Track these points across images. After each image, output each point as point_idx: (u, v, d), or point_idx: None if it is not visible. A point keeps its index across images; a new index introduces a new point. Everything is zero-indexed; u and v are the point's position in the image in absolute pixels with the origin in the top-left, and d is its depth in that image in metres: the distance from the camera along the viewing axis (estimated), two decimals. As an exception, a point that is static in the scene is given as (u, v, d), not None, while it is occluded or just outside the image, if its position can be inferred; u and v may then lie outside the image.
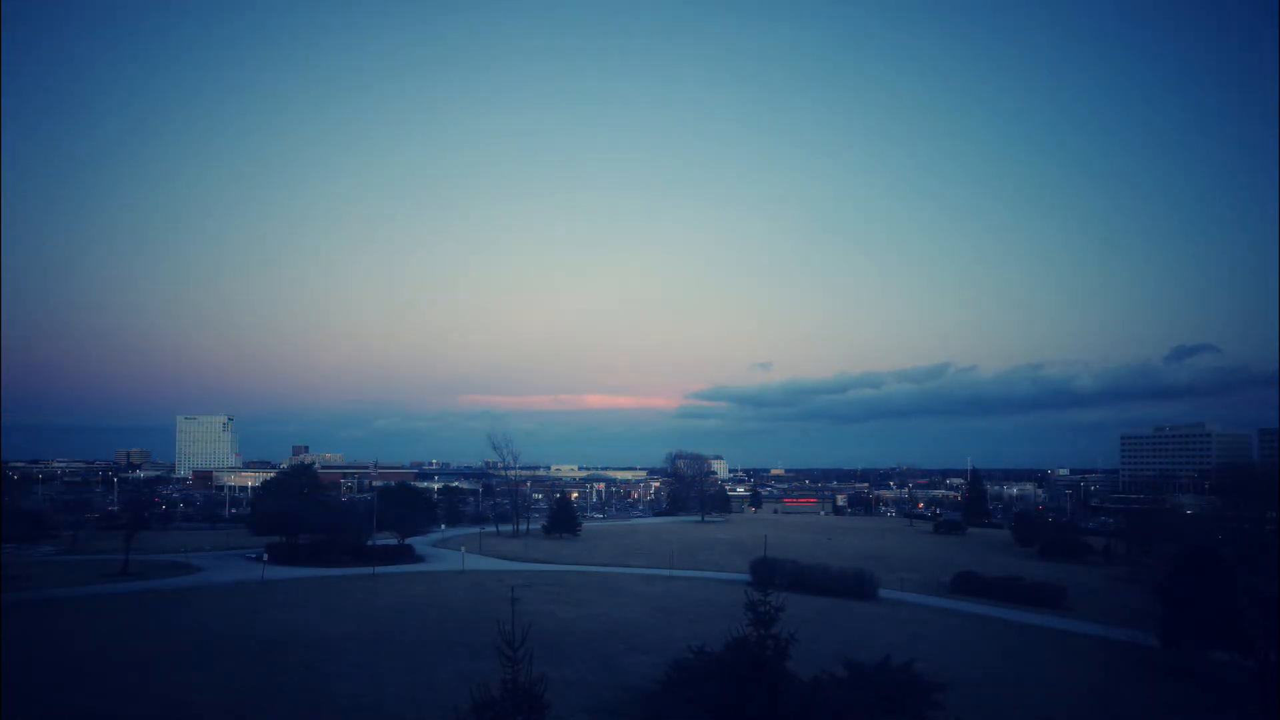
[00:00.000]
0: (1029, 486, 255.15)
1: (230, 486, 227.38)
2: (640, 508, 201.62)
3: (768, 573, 67.98)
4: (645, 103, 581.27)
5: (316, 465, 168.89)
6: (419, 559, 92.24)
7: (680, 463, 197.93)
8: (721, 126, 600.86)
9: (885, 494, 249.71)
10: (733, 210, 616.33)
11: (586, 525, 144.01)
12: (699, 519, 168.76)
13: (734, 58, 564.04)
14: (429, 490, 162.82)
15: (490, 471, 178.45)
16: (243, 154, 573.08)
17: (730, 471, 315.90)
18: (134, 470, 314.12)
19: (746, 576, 74.94)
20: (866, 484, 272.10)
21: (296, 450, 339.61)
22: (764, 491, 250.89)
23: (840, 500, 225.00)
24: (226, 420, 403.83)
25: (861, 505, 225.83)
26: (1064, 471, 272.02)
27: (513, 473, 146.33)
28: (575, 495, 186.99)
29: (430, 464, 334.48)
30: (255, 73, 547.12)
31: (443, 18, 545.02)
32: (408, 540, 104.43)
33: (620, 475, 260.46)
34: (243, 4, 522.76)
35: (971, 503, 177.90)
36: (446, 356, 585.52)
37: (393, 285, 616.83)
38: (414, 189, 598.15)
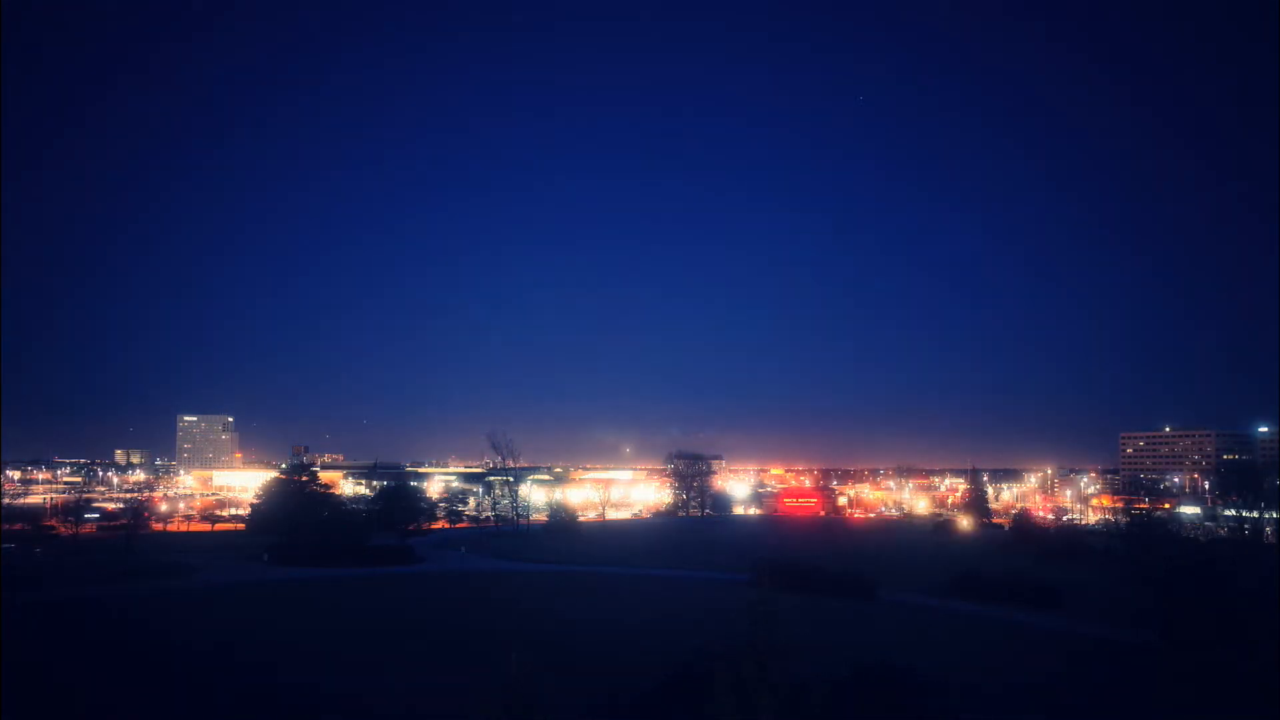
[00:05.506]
0: (1029, 486, 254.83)
1: (230, 486, 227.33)
2: (640, 507, 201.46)
3: (767, 572, 67.83)
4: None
5: (317, 465, 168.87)
6: (419, 559, 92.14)
7: (680, 462, 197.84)
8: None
9: (885, 493, 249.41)
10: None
11: (586, 525, 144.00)
12: (699, 518, 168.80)
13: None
14: (429, 490, 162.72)
15: (490, 471, 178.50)
16: (244, 153, 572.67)
17: (731, 471, 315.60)
18: (134, 470, 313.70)
19: (746, 576, 74.85)
20: (867, 483, 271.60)
21: (296, 450, 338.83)
22: (764, 490, 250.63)
23: (840, 499, 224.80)
24: (227, 420, 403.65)
25: (861, 504, 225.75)
26: (1064, 471, 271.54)
27: (512, 474, 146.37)
28: (574, 495, 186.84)
29: (431, 464, 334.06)
30: (257, 71, 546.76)
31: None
32: (408, 540, 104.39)
33: (620, 474, 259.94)
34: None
35: (971, 502, 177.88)
36: (448, 356, 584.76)
37: (394, 283, 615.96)
38: (412, 186, 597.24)
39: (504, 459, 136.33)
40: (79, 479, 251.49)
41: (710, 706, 15.57)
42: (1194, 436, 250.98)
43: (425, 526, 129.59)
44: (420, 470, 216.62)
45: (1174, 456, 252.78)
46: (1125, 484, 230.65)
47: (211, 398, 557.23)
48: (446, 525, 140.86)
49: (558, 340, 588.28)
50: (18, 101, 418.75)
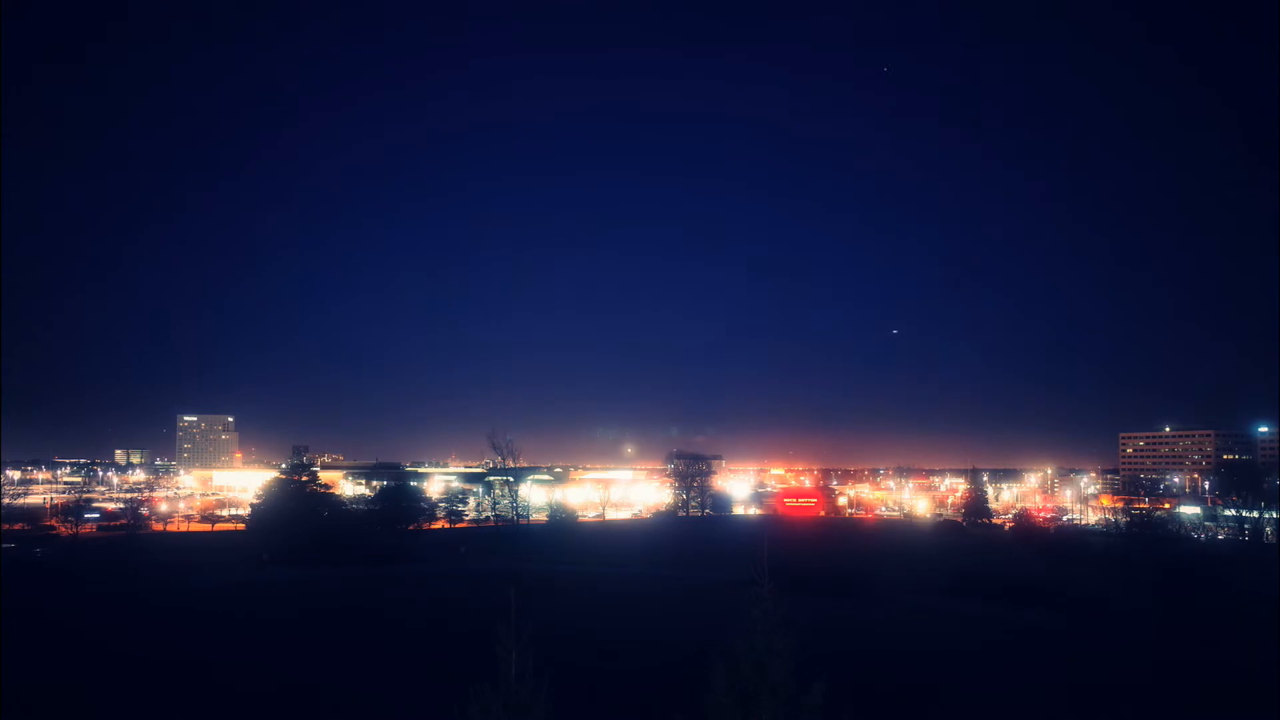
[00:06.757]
0: (1029, 486, 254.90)
1: (230, 486, 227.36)
2: (640, 507, 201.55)
3: (767, 572, 67.97)
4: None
5: (317, 465, 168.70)
6: (419, 559, 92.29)
7: (680, 462, 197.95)
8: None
9: (885, 493, 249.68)
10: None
11: (586, 525, 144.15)
12: (699, 518, 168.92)
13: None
14: (429, 490, 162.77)
15: (491, 471, 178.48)
16: (245, 152, 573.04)
17: (730, 471, 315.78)
18: (134, 470, 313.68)
19: (746, 576, 74.88)
20: (867, 483, 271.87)
21: (297, 450, 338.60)
22: (764, 490, 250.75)
23: (840, 499, 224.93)
24: (227, 420, 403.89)
25: (861, 504, 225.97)
26: (1064, 471, 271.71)
27: (512, 474, 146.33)
28: (574, 494, 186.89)
29: (431, 464, 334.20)
30: (257, 71, 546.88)
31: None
32: (408, 540, 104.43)
33: (620, 474, 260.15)
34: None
35: (971, 502, 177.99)
36: (449, 355, 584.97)
37: (395, 283, 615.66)
38: (413, 186, 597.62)
39: (504, 459, 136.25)
40: (79, 479, 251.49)
41: (709, 707, 15.58)
42: (1194, 436, 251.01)
43: (425, 526, 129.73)
44: (420, 470, 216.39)
45: (1174, 456, 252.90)
46: (1125, 484, 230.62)
47: (211, 398, 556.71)
48: (447, 525, 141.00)
49: (558, 340, 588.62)
50: (18, 99, 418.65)
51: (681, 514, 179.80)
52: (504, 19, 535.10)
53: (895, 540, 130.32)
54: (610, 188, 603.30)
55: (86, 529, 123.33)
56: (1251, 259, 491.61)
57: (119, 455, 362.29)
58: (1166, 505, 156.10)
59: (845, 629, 54.10)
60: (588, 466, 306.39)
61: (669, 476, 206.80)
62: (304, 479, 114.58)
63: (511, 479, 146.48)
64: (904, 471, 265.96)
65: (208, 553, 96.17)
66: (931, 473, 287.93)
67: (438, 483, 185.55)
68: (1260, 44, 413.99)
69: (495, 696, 16.60)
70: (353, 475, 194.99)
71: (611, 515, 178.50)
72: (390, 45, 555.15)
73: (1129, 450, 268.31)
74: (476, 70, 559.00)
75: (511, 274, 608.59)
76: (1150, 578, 69.78)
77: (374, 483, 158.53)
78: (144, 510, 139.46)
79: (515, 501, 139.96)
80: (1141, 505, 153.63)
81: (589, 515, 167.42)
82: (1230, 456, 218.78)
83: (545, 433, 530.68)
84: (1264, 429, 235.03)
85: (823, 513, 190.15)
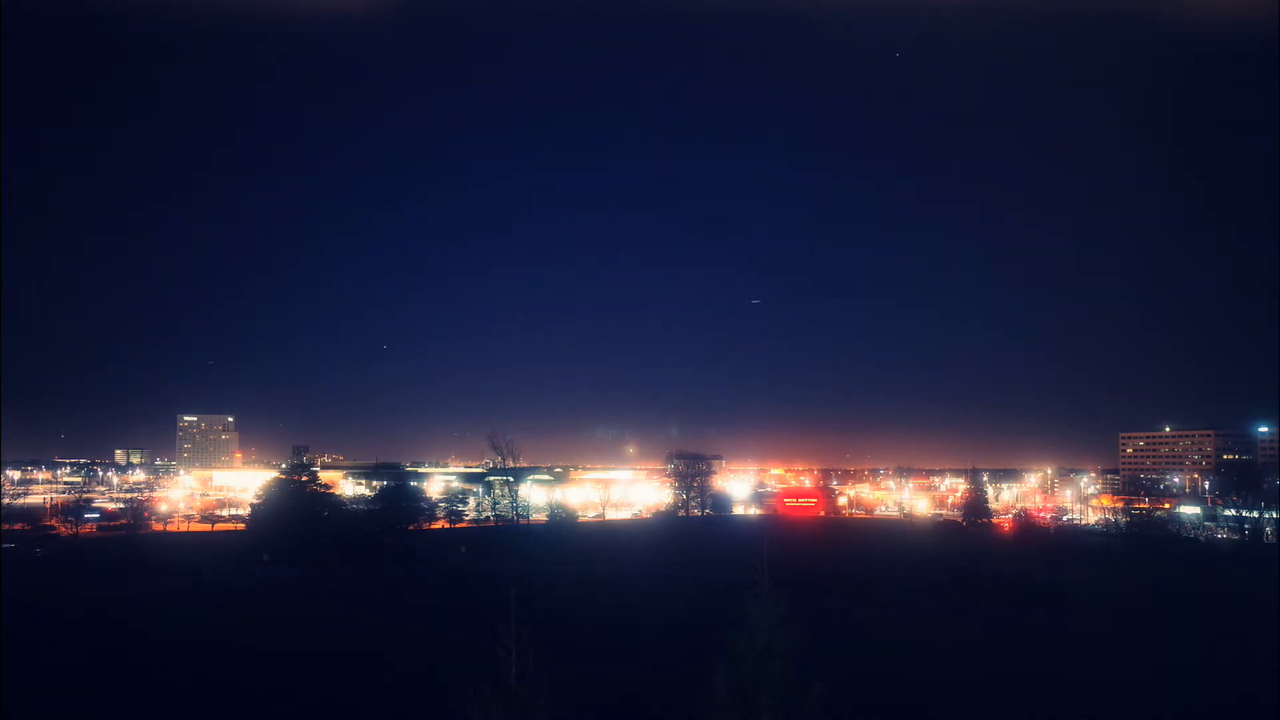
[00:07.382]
0: (1029, 486, 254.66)
1: (230, 486, 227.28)
2: (640, 507, 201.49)
3: (767, 572, 67.87)
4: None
5: (317, 465, 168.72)
6: (420, 559, 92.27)
7: (680, 462, 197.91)
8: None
9: (885, 493, 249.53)
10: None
11: (586, 524, 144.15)
12: (699, 518, 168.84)
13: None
14: (429, 490, 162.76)
15: (491, 471, 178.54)
16: (246, 152, 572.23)
17: (730, 470, 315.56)
18: (134, 470, 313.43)
19: (746, 576, 74.78)
20: (867, 483, 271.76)
21: (297, 450, 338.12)
22: (764, 490, 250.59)
23: (841, 499, 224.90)
24: (228, 420, 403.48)
25: (861, 504, 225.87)
26: (1064, 471, 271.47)
27: (512, 474, 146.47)
28: (574, 494, 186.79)
29: (431, 464, 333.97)
30: (258, 70, 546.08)
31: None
32: (408, 540, 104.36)
33: (620, 474, 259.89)
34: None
35: (971, 502, 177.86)
36: (449, 355, 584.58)
37: (395, 283, 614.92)
38: (412, 185, 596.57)
39: (504, 459, 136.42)
40: (79, 479, 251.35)
41: (709, 707, 15.60)
42: (1194, 436, 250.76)
43: (425, 526, 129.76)
44: (420, 470, 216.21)
45: (1174, 456, 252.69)
46: (1125, 484, 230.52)
47: (211, 398, 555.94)
48: (447, 525, 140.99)
49: (558, 340, 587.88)
50: (19, 98, 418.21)
51: (681, 514, 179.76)
52: (505, 21, 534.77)
53: (895, 540, 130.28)
54: (610, 186, 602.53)
55: (86, 529, 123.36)
56: (1251, 259, 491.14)
57: (119, 455, 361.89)
58: (1166, 505, 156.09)
59: (845, 629, 54.10)
60: (588, 466, 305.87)
61: (669, 476, 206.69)
62: (304, 479, 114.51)
63: (511, 479, 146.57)
64: (904, 471, 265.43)
65: (208, 553, 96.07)
66: (931, 473, 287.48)
67: (438, 483, 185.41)
68: (1262, 42, 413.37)
69: (495, 697, 16.63)
70: (353, 475, 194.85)
71: (611, 515, 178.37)
72: (391, 45, 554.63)
73: (1129, 450, 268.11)
74: (477, 69, 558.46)
75: (511, 274, 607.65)
76: (1150, 578, 69.73)
77: (374, 483, 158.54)
78: (144, 510, 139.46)
79: (515, 501, 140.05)
80: (1141, 505, 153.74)
81: (589, 515, 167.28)
82: (1230, 456, 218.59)
83: (545, 433, 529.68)
84: (1264, 429, 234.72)
85: (823, 513, 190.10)
